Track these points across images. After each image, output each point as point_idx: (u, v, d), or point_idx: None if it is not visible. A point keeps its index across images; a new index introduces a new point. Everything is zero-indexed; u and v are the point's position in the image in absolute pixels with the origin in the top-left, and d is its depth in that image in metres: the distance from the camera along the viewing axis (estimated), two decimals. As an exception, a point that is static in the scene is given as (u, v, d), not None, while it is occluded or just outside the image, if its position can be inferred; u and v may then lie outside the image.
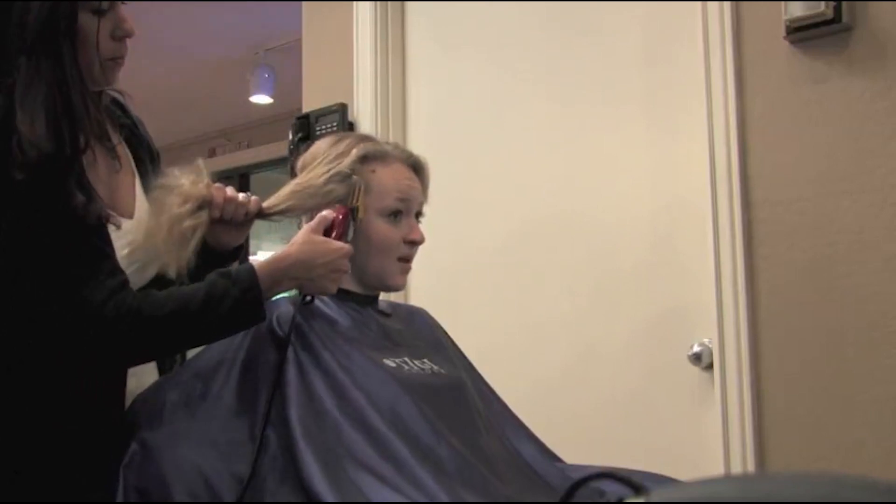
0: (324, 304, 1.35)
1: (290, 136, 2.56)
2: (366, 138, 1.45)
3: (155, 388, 1.28)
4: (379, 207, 1.37)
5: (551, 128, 2.23)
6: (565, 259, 2.17)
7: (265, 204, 1.38)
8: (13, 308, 1.24)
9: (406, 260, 1.41)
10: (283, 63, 4.25)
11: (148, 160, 1.46)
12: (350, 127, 2.48)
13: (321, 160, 1.38)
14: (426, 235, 1.42)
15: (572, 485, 0.81)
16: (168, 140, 5.38)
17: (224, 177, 5.85)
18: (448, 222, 2.15)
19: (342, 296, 1.37)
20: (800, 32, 1.79)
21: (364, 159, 1.37)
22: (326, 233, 1.30)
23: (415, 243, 1.41)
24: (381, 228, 1.37)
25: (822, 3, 1.73)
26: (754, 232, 1.84)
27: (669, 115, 2.03)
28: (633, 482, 0.73)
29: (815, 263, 1.77)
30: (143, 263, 1.34)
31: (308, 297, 1.31)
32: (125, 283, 1.23)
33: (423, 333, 1.46)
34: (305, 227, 1.30)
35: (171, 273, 1.27)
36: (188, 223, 1.27)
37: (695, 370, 1.94)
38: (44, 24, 1.21)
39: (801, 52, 1.81)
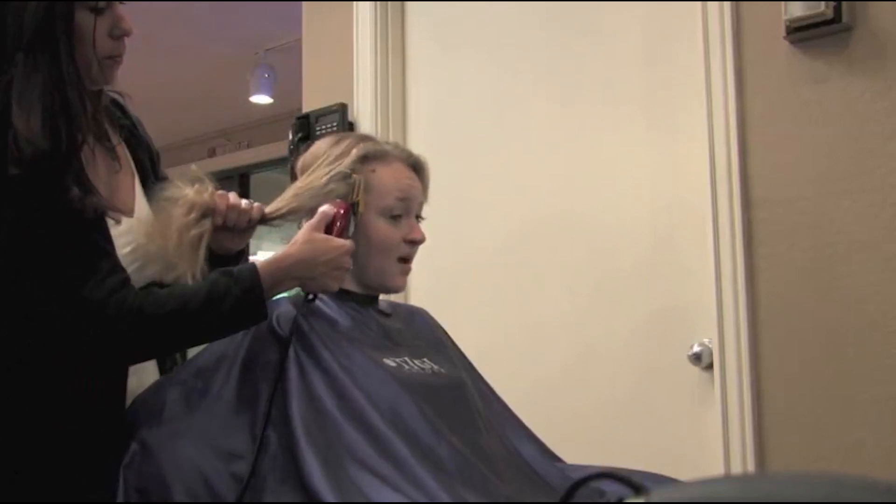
0: (324, 304, 1.35)
1: (290, 136, 2.56)
2: (366, 138, 1.45)
3: (155, 388, 1.28)
4: (379, 207, 1.37)
5: (551, 128, 2.23)
6: (565, 259, 2.17)
7: (267, 210, 1.38)
8: (13, 307, 1.24)
9: (406, 260, 1.41)
10: (283, 63, 4.25)
11: (147, 160, 1.46)
12: (350, 127, 2.48)
13: (322, 161, 1.38)
14: (426, 235, 1.42)
15: (572, 485, 0.81)
16: (168, 140, 5.39)
17: (224, 177, 5.89)
18: (448, 222, 2.15)
19: (342, 296, 1.37)
20: (800, 32, 1.79)
21: (364, 159, 1.37)
22: (328, 229, 1.30)
23: (415, 243, 1.41)
24: (381, 228, 1.37)
25: (822, 3, 1.73)
26: (754, 232, 1.84)
27: (669, 115, 2.03)
28: (633, 482, 0.73)
29: (815, 263, 1.77)
30: (143, 262, 1.34)
31: (311, 296, 1.31)
32: (126, 280, 1.23)
33: (424, 333, 1.46)
34: (306, 225, 1.30)
35: (189, 282, 1.27)
36: (194, 231, 1.28)
37: (695, 370, 1.94)
38: (41, 22, 1.22)
39: (801, 52, 1.81)
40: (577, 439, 1.63)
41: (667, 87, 2.04)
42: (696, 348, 1.92)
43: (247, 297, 1.22)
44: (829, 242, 1.75)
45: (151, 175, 1.45)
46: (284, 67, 4.23)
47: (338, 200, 1.32)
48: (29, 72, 1.21)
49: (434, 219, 1.49)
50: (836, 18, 1.74)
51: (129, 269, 1.29)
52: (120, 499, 1.16)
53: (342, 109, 2.50)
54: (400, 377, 1.26)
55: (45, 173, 1.19)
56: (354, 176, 1.34)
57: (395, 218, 1.38)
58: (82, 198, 1.21)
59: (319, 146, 1.43)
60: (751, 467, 1.78)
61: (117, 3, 1.30)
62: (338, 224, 1.30)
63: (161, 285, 1.27)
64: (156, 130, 1.54)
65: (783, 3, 1.79)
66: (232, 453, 1.18)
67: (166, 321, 1.21)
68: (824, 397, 1.74)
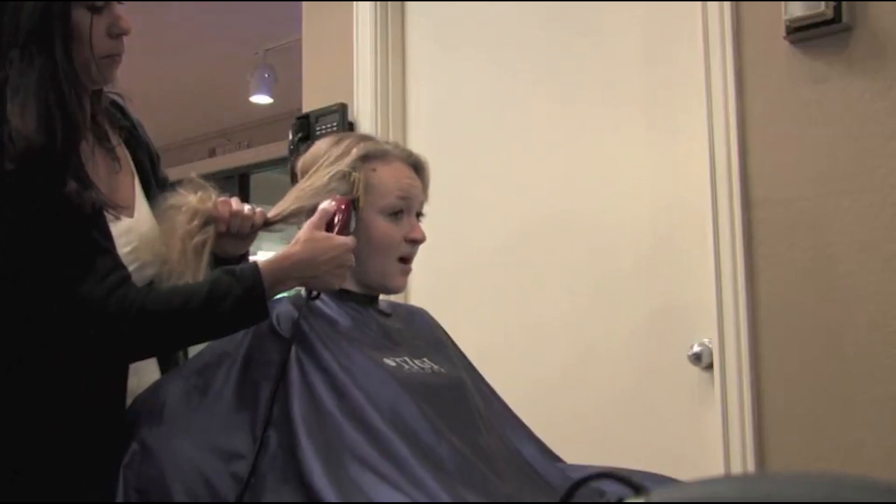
0: (324, 304, 1.35)
1: (290, 136, 2.56)
2: (366, 138, 1.45)
3: (155, 388, 1.28)
4: (380, 206, 1.37)
5: (551, 128, 2.23)
6: (565, 259, 2.17)
7: (270, 214, 1.38)
8: (13, 307, 1.24)
9: (406, 260, 1.41)
10: (283, 63, 4.25)
11: (147, 161, 1.46)
12: (350, 127, 2.48)
13: (322, 162, 1.38)
14: (426, 235, 1.42)
15: (572, 485, 0.81)
16: (168, 140, 5.39)
17: (224, 177, 5.89)
18: (448, 222, 2.15)
19: (342, 295, 1.37)
20: (800, 32, 1.79)
21: (365, 158, 1.37)
22: (329, 227, 1.30)
23: (416, 242, 1.40)
24: (381, 227, 1.37)
25: (822, 3, 1.73)
26: (754, 232, 1.84)
27: (669, 115, 2.03)
28: (633, 482, 0.73)
29: (815, 263, 1.77)
30: (143, 262, 1.34)
31: (314, 293, 1.31)
32: (126, 278, 1.23)
33: (423, 333, 1.46)
34: (307, 223, 1.29)
35: None
36: (198, 239, 1.29)
37: (695, 370, 1.94)
38: (37, 21, 1.22)
39: (801, 52, 1.81)
40: (577, 439, 1.63)
41: (667, 87, 2.04)
42: (696, 348, 1.92)
43: (248, 296, 1.22)
44: (829, 242, 1.75)
45: (151, 176, 1.45)
46: (284, 67, 4.23)
47: (338, 196, 1.32)
48: (24, 68, 1.21)
49: (434, 219, 1.49)
50: (836, 18, 1.74)
51: (129, 269, 1.29)
52: (119, 499, 1.16)
53: (342, 109, 2.50)
54: (400, 377, 1.26)
55: (41, 169, 1.19)
56: (354, 174, 1.34)
57: (395, 217, 1.38)
58: (80, 192, 1.21)
59: (319, 146, 1.43)
60: (751, 467, 1.78)
61: (115, 2, 1.30)
62: (339, 221, 1.30)
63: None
64: (156, 130, 1.54)
65: (783, 3, 1.79)
66: (232, 453, 1.18)
67: (167, 319, 1.21)
68: (824, 397, 1.74)
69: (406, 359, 1.33)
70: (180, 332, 1.25)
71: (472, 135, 2.38)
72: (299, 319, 1.27)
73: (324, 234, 1.28)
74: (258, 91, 4.51)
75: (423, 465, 1.14)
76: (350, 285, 1.39)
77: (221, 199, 1.35)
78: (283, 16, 3.62)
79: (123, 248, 1.30)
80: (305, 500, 1.11)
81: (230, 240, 1.37)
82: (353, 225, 1.33)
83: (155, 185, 1.45)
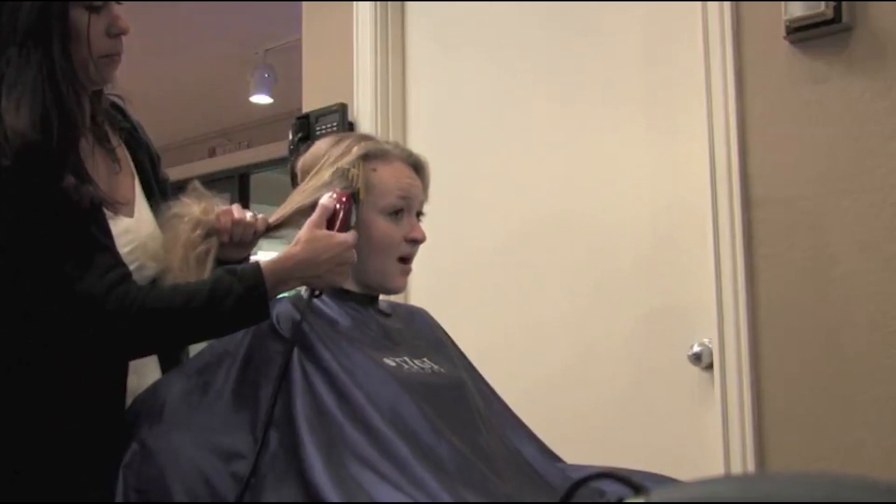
0: (324, 304, 1.35)
1: (290, 136, 2.56)
2: (366, 137, 1.45)
3: (155, 388, 1.28)
4: (380, 206, 1.37)
5: (551, 128, 2.23)
6: (565, 259, 2.17)
7: (271, 220, 1.38)
8: (12, 305, 1.24)
9: (406, 260, 1.41)
10: (283, 63, 4.25)
11: (147, 162, 1.46)
12: (350, 127, 2.48)
13: (323, 163, 1.38)
14: (427, 235, 1.42)
15: (572, 485, 0.81)
16: (168, 140, 5.39)
17: (224, 177, 5.88)
18: (448, 222, 2.15)
19: (342, 295, 1.37)
20: (800, 32, 1.79)
21: (365, 157, 1.37)
22: (329, 224, 1.29)
23: (416, 241, 1.40)
24: (382, 226, 1.37)
25: (822, 3, 1.73)
26: (754, 231, 1.84)
27: (669, 115, 2.03)
28: (633, 482, 0.73)
29: (815, 263, 1.77)
30: (143, 262, 1.34)
31: (317, 292, 1.31)
32: (127, 275, 1.23)
33: (423, 333, 1.46)
34: (308, 222, 1.29)
35: None
36: (201, 248, 1.30)
37: (695, 370, 1.94)
38: (35, 19, 1.23)
39: (801, 52, 1.81)
40: (577, 439, 1.63)
41: (667, 87, 2.04)
42: (696, 348, 1.92)
43: (249, 295, 1.22)
44: (829, 242, 1.75)
45: (152, 177, 1.46)
46: (284, 67, 4.23)
47: (338, 190, 1.32)
48: (21, 66, 1.22)
49: (434, 219, 1.49)
50: (836, 18, 1.74)
51: (129, 269, 1.29)
52: (119, 498, 1.16)
53: (342, 109, 2.50)
54: (400, 377, 1.26)
55: (37, 166, 1.19)
56: (352, 171, 1.34)
57: (395, 217, 1.38)
58: (79, 186, 1.21)
59: (320, 146, 1.43)
60: (751, 467, 1.78)
61: (114, 2, 1.30)
62: (340, 217, 1.29)
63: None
64: (156, 130, 1.54)
65: (783, 3, 1.79)
66: (232, 453, 1.18)
67: (168, 317, 1.21)
68: (824, 397, 1.74)
69: (406, 359, 1.33)
70: (181, 331, 1.25)
71: (472, 135, 2.38)
72: (301, 321, 1.27)
73: (324, 232, 1.28)
74: (258, 91, 4.51)
75: (423, 465, 1.14)
76: (350, 285, 1.39)
77: (223, 208, 1.35)
78: (283, 16, 3.62)
79: (123, 248, 1.30)
80: (306, 500, 1.11)
81: (233, 247, 1.37)
82: (353, 219, 1.32)
83: (155, 186, 1.45)
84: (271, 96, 4.53)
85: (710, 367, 1.90)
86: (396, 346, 1.36)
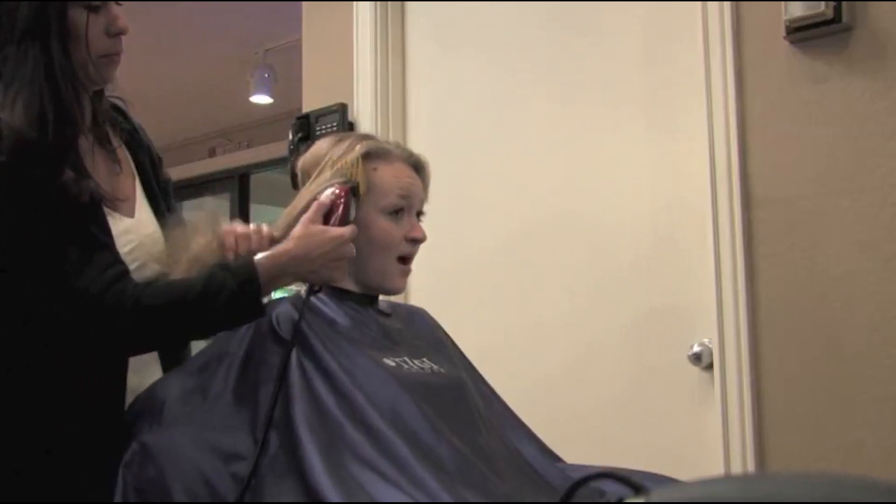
0: (323, 304, 1.35)
1: (290, 136, 2.56)
2: (367, 137, 1.45)
3: (156, 387, 1.28)
4: (381, 205, 1.37)
5: (551, 128, 2.23)
6: (565, 259, 2.17)
7: (276, 233, 1.35)
8: (13, 305, 1.24)
9: (406, 260, 1.41)
10: (283, 63, 4.25)
11: (148, 163, 1.47)
12: (350, 127, 2.48)
13: (325, 163, 1.37)
14: (427, 235, 1.42)
15: (572, 484, 0.81)
16: (168, 140, 5.39)
17: (224, 177, 5.87)
18: (448, 222, 2.15)
19: (342, 295, 1.37)
20: (800, 32, 1.79)
21: (367, 156, 1.37)
22: (326, 219, 1.28)
23: (416, 241, 1.40)
24: (382, 226, 1.37)
25: (822, 3, 1.73)
26: (754, 231, 1.84)
27: (669, 115, 2.03)
28: (633, 482, 0.73)
29: (815, 263, 1.77)
30: (144, 261, 1.35)
31: (316, 288, 1.31)
32: (125, 273, 1.23)
33: (423, 333, 1.46)
34: (303, 217, 1.28)
35: None
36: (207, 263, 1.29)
37: (695, 370, 1.94)
38: (33, 18, 1.23)
39: (801, 52, 1.81)
40: (577, 439, 1.63)
41: (667, 87, 2.04)
42: (696, 348, 1.92)
43: (243, 290, 1.22)
44: (829, 242, 1.75)
45: (152, 178, 1.46)
46: (284, 67, 4.23)
47: (337, 184, 1.30)
48: (19, 63, 1.23)
49: (434, 219, 1.49)
50: (836, 18, 1.74)
51: (130, 268, 1.29)
52: (118, 498, 1.16)
53: (342, 109, 2.50)
54: (399, 377, 1.26)
55: (34, 162, 1.20)
56: (352, 169, 1.33)
57: (396, 216, 1.38)
58: (78, 181, 1.21)
59: (320, 146, 1.42)
60: (751, 467, 1.78)
61: (113, 2, 1.31)
62: (337, 212, 1.28)
63: None
64: (156, 130, 1.54)
65: (783, 3, 1.79)
66: (232, 453, 1.17)
67: (163, 313, 1.21)
68: (824, 397, 1.74)
69: (406, 359, 1.32)
70: (176, 327, 1.25)
71: (472, 135, 2.38)
72: (299, 321, 1.27)
73: (319, 227, 1.27)
74: (258, 91, 4.51)
75: (423, 465, 1.14)
76: (349, 285, 1.39)
77: (226, 228, 1.34)
78: (283, 16, 3.63)
79: (124, 247, 1.30)
80: (306, 500, 1.11)
81: None
82: (352, 214, 1.30)
83: (156, 188, 1.45)
84: (271, 96, 4.53)
85: (710, 367, 1.90)
86: (396, 346, 1.36)
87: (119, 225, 1.32)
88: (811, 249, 1.77)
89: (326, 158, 1.38)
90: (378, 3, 2.50)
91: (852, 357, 1.71)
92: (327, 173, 1.35)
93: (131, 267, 1.29)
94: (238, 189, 5.53)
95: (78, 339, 1.23)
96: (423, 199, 1.44)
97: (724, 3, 1.88)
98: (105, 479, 1.18)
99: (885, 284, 1.69)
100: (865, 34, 1.74)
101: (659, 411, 1.99)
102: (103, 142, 1.37)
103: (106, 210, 1.30)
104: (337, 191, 1.29)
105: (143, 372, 1.35)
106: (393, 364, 1.29)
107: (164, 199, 1.47)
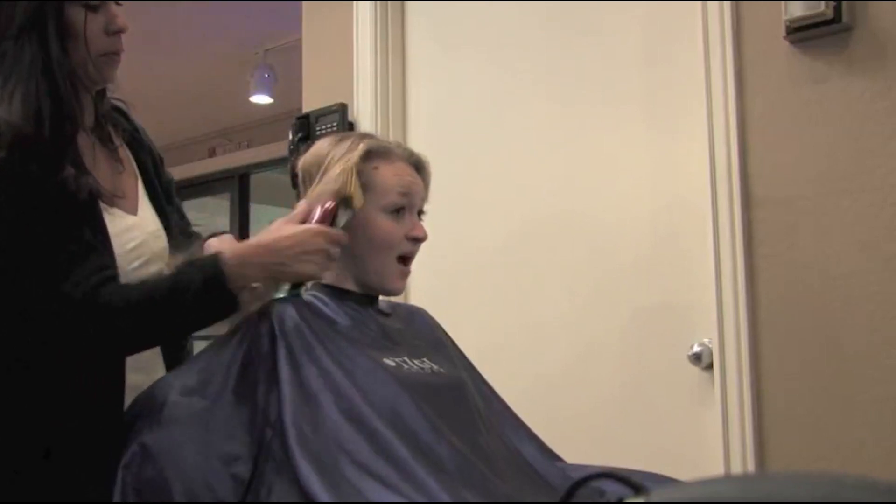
0: (323, 304, 1.35)
1: (290, 136, 2.56)
2: (368, 136, 1.45)
3: (155, 387, 1.27)
4: (382, 204, 1.37)
5: (551, 128, 2.23)
6: (565, 259, 2.17)
7: None
8: (10, 305, 1.24)
9: (406, 260, 1.41)
10: (283, 63, 4.25)
11: (150, 163, 1.48)
12: (350, 127, 2.48)
13: (328, 163, 1.37)
14: (427, 234, 1.42)
15: (572, 484, 0.81)
16: (168, 140, 5.39)
17: (224, 177, 5.86)
18: (448, 222, 2.15)
19: (341, 295, 1.37)
20: (800, 32, 1.79)
21: (369, 154, 1.37)
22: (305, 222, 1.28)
23: (418, 240, 1.40)
24: (383, 224, 1.37)
25: (822, 3, 1.73)
26: (754, 231, 1.84)
27: (669, 115, 2.03)
28: (633, 482, 0.73)
29: (815, 263, 1.77)
30: (147, 258, 1.35)
31: (303, 286, 1.30)
32: (109, 278, 1.23)
33: (423, 333, 1.46)
34: (280, 219, 1.29)
35: None
36: None
37: (695, 370, 1.94)
38: (30, 15, 1.24)
39: (801, 52, 1.81)
40: (577, 439, 1.63)
41: (667, 87, 2.04)
42: (696, 348, 1.92)
43: (209, 284, 1.21)
44: (829, 242, 1.75)
45: (154, 177, 1.47)
46: (284, 67, 4.23)
47: (325, 199, 1.30)
48: (16, 59, 1.24)
49: (434, 218, 1.49)
50: (836, 18, 1.74)
51: (133, 266, 1.30)
52: (117, 498, 1.16)
53: (342, 109, 2.50)
54: (399, 377, 1.26)
55: (31, 158, 1.20)
56: (345, 178, 1.33)
57: (397, 215, 1.38)
58: (77, 177, 1.22)
59: (321, 146, 1.42)
60: (751, 467, 1.78)
61: (112, 1, 1.31)
62: (315, 215, 1.27)
63: None
64: (156, 130, 1.55)
65: (783, 3, 1.79)
66: (232, 454, 1.17)
67: (132, 313, 1.21)
68: (824, 397, 1.74)
69: (406, 359, 1.32)
70: (148, 326, 1.24)
71: (472, 135, 2.38)
72: (278, 315, 1.26)
73: (291, 223, 1.27)
74: (258, 91, 4.51)
75: (422, 465, 1.14)
76: (349, 285, 1.39)
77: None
78: (283, 16, 3.62)
79: (127, 244, 1.31)
80: (305, 502, 1.11)
81: None
82: (341, 222, 1.30)
83: (159, 188, 1.46)
84: (271, 96, 4.53)
85: (710, 367, 1.90)
86: (396, 346, 1.35)
87: (122, 222, 1.32)
88: (811, 249, 1.77)
89: (328, 158, 1.38)
90: (378, 3, 2.50)
91: (852, 357, 1.71)
92: (332, 171, 1.35)
93: (135, 264, 1.30)
94: (238, 189, 5.52)
95: (63, 341, 1.23)
96: (424, 199, 1.44)
97: (724, 3, 1.88)
98: (105, 478, 1.18)
99: (885, 284, 1.69)
100: (865, 34, 1.74)
101: (659, 411, 1.99)
102: (105, 141, 1.38)
103: (109, 207, 1.30)
104: (323, 201, 1.29)
105: (149, 370, 1.35)
106: (393, 364, 1.29)
107: (167, 198, 1.48)
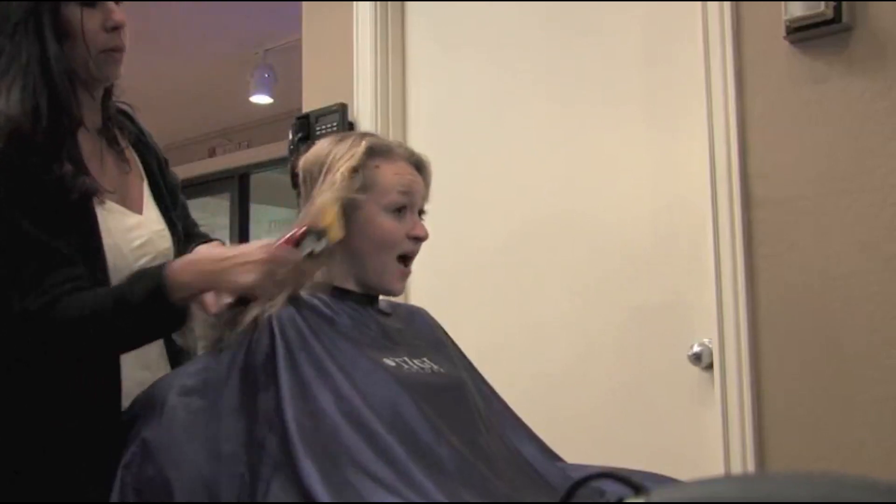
0: (323, 304, 1.35)
1: (290, 136, 2.56)
2: (368, 135, 1.45)
3: (155, 387, 1.28)
4: (383, 203, 1.37)
5: (551, 128, 2.23)
6: (566, 259, 2.17)
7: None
8: (7, 303, 1.24)
9: (407, 259, 1.41)
10: (283, 63, 4.25)
11: (155, 165, 1.49)
12: (350, 127, 2.48)
13: (330, 163, 1.37)
14: (428, 233, 1.42)
15: (572, 484, 0.81)
16: (168, 140, 5.39)
17: (224, 177, 5.86)
18: (448, 222, 2.15)
19: (342, 295, 1.37)
20: (800, 32, 1.79)
21: (370, 153, 1.37)
22: None
23: (419, 239, 1.40)
24: (384, 223, 1.37)
25: (822, 3, 1.73)
26: (754, 231, 1.84)
27: (669, 115, 2.03)
28: (633, 482, 0.73)
29: (815, 263, 1.77)
30: (154, 256, 1.36)
31: (240, 300, 1.27)
32: (72, 290, 1.22)
33: (423, 333, 1.46)
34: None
35: None
36: None
37: (695, 370, 1.94)
38: (26, 12, 1.25)
39: (801, 52, 1.81)
40: (577, 439, 1.63)
41: (667, 87, 2.04)
42: (696, 348, 1.92)
43: (152, 293, 1.20)
44: (829, 242, 1.75)
45: (160, 178, 1.48)
46: (284, 67, 4.23)
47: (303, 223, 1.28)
48: (13, 55, 1.25)
49: (434, 218, 1.49)
50: (836, 18, 1.74)
51: (141, 262, 1.32)
52: (116, 498, 1.16)
53: (342, 109, 2.50)
54: (399, 377, 1.26)
55: (29, 152, 1.20)
56: (323, 209, 1.30)
57: (398, 214, 1.38)
58: (75, 175, 1.22)
59: (321, 146, 1.42)
60: (751, 467, 1.78)
61: (111, 1, 1.32)
62: (282, 239, 1.25)
63: None
64: (156, 130, 1.56)
65: (783, 3, 1.79)
66: (232, 455, 1.17)
67: (81, 326, 1.21)
68: (824, 397, 1.74)
69: (406, 359, 1.32)
70: (96, 338, 1.24)
71: (472, 135, 2.38)
72: (270, 316, 1.26)
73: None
74: (258, 91, 4.51)
75: (421, 465, 1.14)
76: (349, 285, 1.39)
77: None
78: (283, 16, 3.62)
79: (134, 241, 1.33)
80: (305, 502, 1.11)
81: None
82: (306, 248, 1.26)
83: (164, 189, 1.48)
84: (271, 96, 4.53)
85: (710, 367, 1.90)
86: (396, 346, 1.35)
87: (128, 220, 1.34)
88: (811, 249, 1.77)
89: (328, 158, 1.38)
90: (378, 3, 2.50)
91: (852, 357, 1.71)
92: (336, 170, 1.34)
93: (143, 261, 1.31)
94: (238, 189, 5.53)
95: (22, 350, 1.24)
96: (425, 198, 1.44)
97: (724, 3, 1.88)
98: (105, 478, 1.18)
99: (885, 284, 1.69)
100: (865, 34, 1.74)
101: (659, 411, 1.99)
102: (112, 143, 1.39)
103: (115, 205, 1.31)
104: (296, 229, 1.26)
105: (154, 368, 1.36)
106: (393, 364, 1.29)
107: (172, 199, 1.49)
